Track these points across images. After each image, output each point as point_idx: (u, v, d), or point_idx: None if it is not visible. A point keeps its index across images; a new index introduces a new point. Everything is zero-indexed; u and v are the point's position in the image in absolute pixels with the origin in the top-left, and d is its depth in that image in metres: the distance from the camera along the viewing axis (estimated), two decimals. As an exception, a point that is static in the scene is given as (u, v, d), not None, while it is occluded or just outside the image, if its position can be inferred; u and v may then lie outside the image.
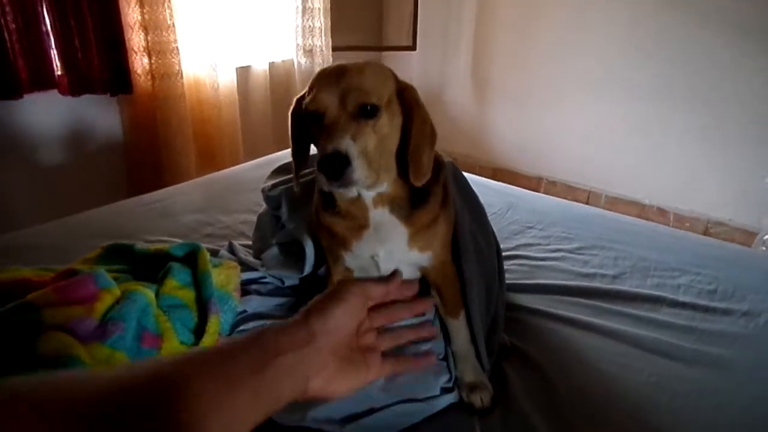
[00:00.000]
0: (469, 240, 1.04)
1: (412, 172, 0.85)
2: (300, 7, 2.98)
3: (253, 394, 0.44)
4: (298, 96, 0.90)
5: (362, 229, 0.91)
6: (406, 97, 0.86)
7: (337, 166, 0.74)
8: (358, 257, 0.96)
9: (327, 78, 0.80)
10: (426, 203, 0.91)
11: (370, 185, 0.81)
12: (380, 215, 0.90)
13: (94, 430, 0.37)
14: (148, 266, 1.08)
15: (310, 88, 0.83)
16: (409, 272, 1.00)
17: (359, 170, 0.75)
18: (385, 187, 0.87)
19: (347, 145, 0.75)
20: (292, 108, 0.91)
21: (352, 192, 0.87)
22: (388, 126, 0.82)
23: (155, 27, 2.31)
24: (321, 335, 0.51)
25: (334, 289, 0.57)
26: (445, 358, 1.00)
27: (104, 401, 0.38)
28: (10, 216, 2.16)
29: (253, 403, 0.44)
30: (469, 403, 0.92)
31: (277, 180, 1.35)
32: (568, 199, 1.98)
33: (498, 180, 2.11)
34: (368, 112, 0.78)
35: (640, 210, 3.10)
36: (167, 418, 0.39)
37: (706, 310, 1.21)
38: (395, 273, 0.68)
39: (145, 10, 2.27)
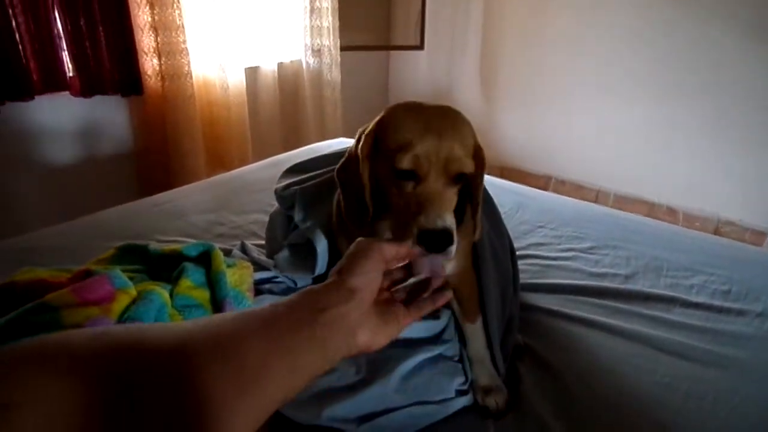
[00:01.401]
0: (488, 246, 1.04)
1: (477, 232, 0.87)
2: (308, 7, 2.98)
3: (307, 350, 0.47)
4: (367, 131, 0.82)
5: None
6: (479, 156, 0.82)
7: (445, 243, 0.71)
8: None
9: (426, 132, 0.74)
10: (462, 223, 0.89)
11: None
12: None
13: (109, 393, 0.38)
14: (162, 266, 1.09)
15: (399, 135, 0.76)
16: None
17: (456, 244, 0.72)
18: None
19: (452, 222, 0.72)
20: (361, 146, 0.81)
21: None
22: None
23: (165, 28, 2.32)
24: (359, 290, 0.54)
25: (356, 248, 0.60)
26: (461, 361, 1.01)
27: (126, 363, 0.40)
28: (21, 217, 2.18)
29: (306, 359, 0.47)
30: (483, 405, 0.92)
31: (289, 180, 1.35)
32: (577, 198, 1.97)
33: (506, 179, 2.11)
34: (460, 179, 0.76)
35: (650, 209, 3.09)
36: (181, 393, 0.40)
37: (720, 310, 1.20)
38: (406, 239, 0.69)
39: (155, 12, 2.28)
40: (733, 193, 2.82)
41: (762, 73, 2.59)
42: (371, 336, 0.55)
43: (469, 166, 0.76)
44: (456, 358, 1.01)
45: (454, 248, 0.72)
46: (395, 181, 0.76)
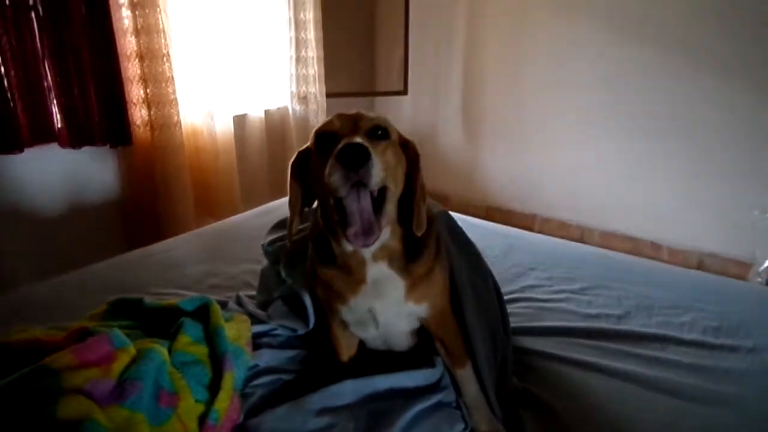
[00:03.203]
0: (468, 288, 1.05)
1: (415, 221, 0.88)
2: (294, 57, 3.05)
3: None
4: (300, 149, 0.92)
5: (359, 284, 0.93)
6: (411, 147, 0.90)
7: (357, 155, 0.74)
8: (354, 311, 0.97)
9: (339, 113, 0.86)
10: (421, 255, 0.93)
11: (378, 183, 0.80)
12: (378, 270, 0.92)
13: None
14: (157, 321, 1.08)
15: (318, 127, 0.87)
16: (407, 324, 1.01)
17: (377, 166, 0.76)
18: (387, 235, 0.89)
19: (364, 142, 0.76)
20: (293, 160, 0.92)
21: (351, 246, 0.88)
22: (394, 161, 0.84)
23: (155, 80, 2.35)
24: None
25: None
26: (458, 407, 1.00)
27: None
28: (10, 270, 2.14)
29: None
30: (486, 452, 0.92)
31: (275, 236, 1.37)
32: (563, 236, 2.01)
33: (492, 218, 2.14)
34: (380, 135, 0.83)
35: (634, 245, 3.13)
36: None
37: (712, 347, 1.22)
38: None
39: (144, 64, 2.32)
40: (715, 226, 2.88)
41: (735, 109, 2.69)
42: None
43: (383, 125, 0.84)
44: (454, 405, 1.01)
45: (375, 170, 0.75)
46: (320, 158, 0.82)
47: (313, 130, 0.87)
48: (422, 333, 1.05)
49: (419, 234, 0.89)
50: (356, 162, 0.74)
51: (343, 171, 0.75)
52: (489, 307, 1.11)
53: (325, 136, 0.83)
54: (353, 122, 0.83)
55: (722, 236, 2.87)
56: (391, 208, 0.86)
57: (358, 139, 0.76)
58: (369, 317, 0.96)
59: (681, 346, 1.22)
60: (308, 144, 0.90)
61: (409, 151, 0.90)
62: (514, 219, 3.49)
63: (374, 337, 1.04)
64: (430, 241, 0.95)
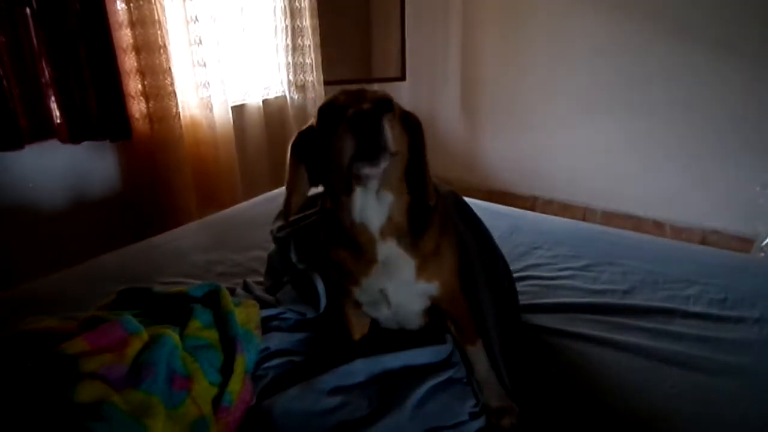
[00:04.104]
0: (480, 267, 1.06)
1: (428, 191, 0.90)
2: (290, 46, 3.04)
3: None
4: (301, 129, 0.92)
5: (371, 265, 0.93)
6: (412, 117, 0.92)
7: (370, 122, 0.73)
8: (367, 292, 0.98)
9: (343, 89, 0.86)
10: (427, 230, 0.94)
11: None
12: (388, 249, 0.92)
13: None
14: (165, 309, 1.09)
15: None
16: (419, 303, 1.02)
17: (389, 132, 0.75)
18: (391, 202, 0.89)
19: (374, 108, 0.76)
20: (293, 140, 0.92)
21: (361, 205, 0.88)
22: (399, 132, 0.85)
23: (152, 72, 2.34)
24: None
25: None
26: (469, 383, 1.01)
27: None
28: (15, 268, 2.15)
29: None
30: (498, 425, 0.92)
31: (283, 222, 1.37)
32: (565, 217, 2.01)
33: (494, 202, 2.14)
34: (385, 106, 0.82)
35: (637, 223, 3.14)
36: None
37: (718, 319, 1.22)
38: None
39: (141, 57, 2.31)
40: (717, 203, 2.88)
41: (732, 86, 2.69)
42: None
43: (388, 95, 0.85)
44: (465, 381, 1.02)
45: (386, 133, 0.74)
46: (325, 134, 0.81)
47: (317, 107, 0.87)
48: (433, 311, 1.06)
49: (432, 203, 0.91)
50: (370, 129, 0.74)
51: (355, 139, 0.75)
52: (499, 284, 1.12)
53: (330, 110, 0.82)
54: (357, 96, 0.83)
55: (725, 213, 2.87)
56: (396, 175, 0.87)
57: (367, 106, 0.77)
58: (381, 297, 0.97)
59: (687, 318, 1.23)
60: (310, 123, 0.90)
61: (411, 122, 0.91)
62: (516, 201, 3.49)
63: (387, 317, 1.05)
64: (435, 215, 0.96)
